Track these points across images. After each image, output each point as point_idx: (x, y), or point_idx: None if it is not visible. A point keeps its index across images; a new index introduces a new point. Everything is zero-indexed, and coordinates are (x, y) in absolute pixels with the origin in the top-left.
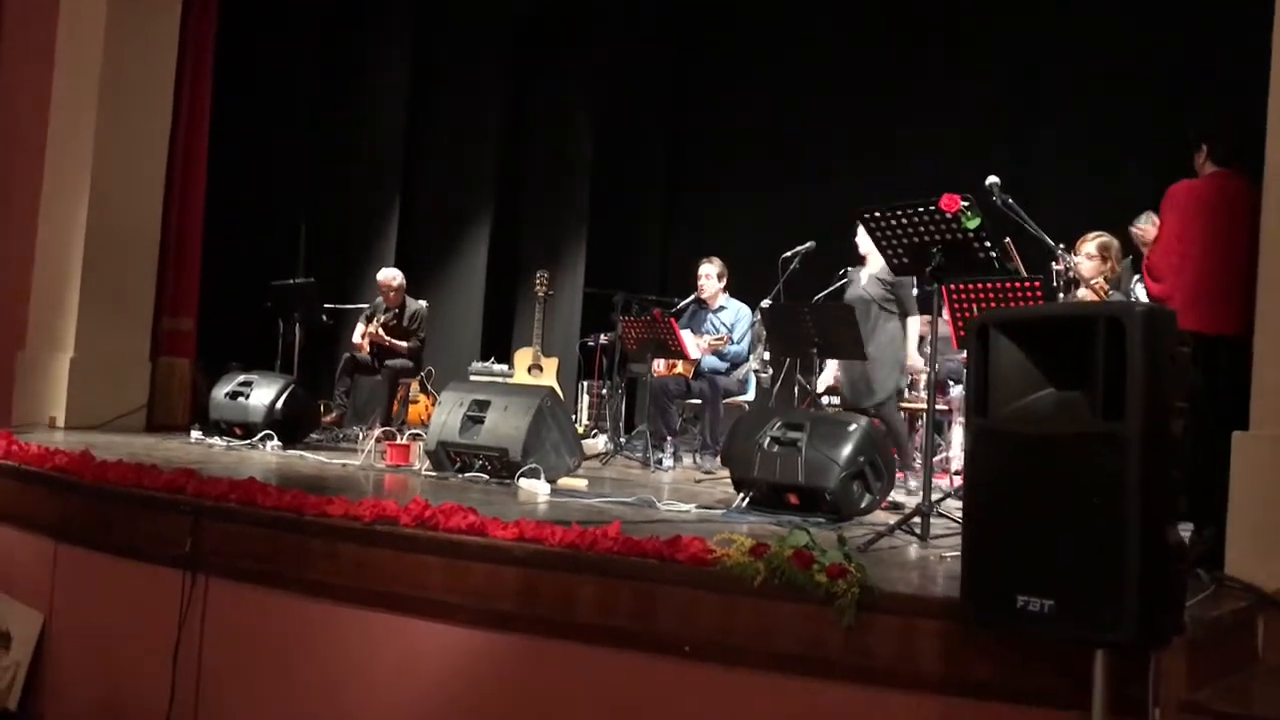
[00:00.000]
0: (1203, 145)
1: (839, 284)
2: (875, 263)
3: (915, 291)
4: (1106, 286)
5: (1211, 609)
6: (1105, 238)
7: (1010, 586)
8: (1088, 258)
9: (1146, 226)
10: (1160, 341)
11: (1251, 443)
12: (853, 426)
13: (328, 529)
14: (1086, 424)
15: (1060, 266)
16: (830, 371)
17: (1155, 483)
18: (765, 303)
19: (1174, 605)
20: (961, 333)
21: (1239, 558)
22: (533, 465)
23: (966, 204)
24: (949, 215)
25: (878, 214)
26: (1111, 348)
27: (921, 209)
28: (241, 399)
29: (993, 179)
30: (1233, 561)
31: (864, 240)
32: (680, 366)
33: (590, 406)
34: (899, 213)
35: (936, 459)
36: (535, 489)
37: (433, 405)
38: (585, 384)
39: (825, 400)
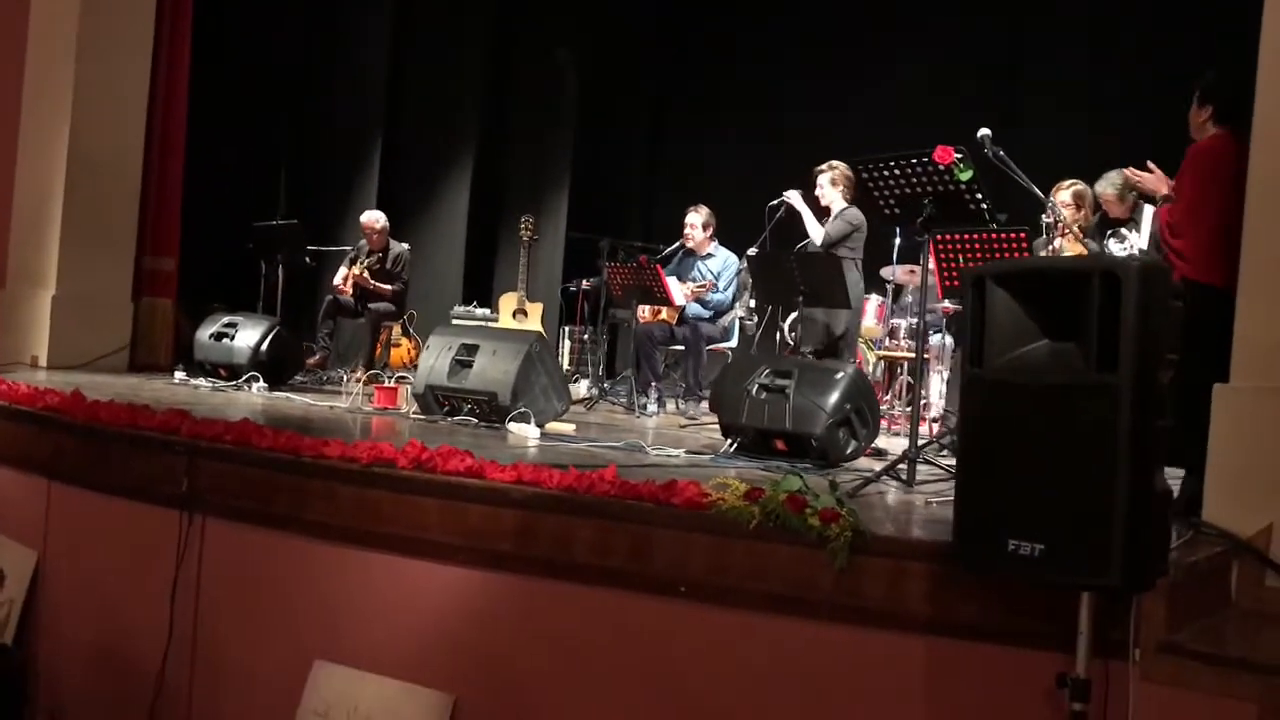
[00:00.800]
0: (1208, 104)
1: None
2: (835, 209)
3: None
4: (1081, 235)
5: (1189, 554)
6: (1080, 185)
7: (1001, 531)
8: (1063, 205)
9: (1107, 190)
10: (1154, 295)
11: (1230, 394)
12: (840, 374)
13: (325, 470)
14: (1080, 375)
15: (1050, 219)
16: (794, 317)
17: (1144, 432)
18: (751, 251)
19: (1159, 550)
20: (947, 282)
21: (1217, 505)
22: (522, 409)
23: (959, 156)
24: (942, 167)
25: (871, 164)
26: (1106, 301)
27: (915, 160)
28: (226, 340)
29: (984, 131)
30: (1210, 508)
31: (822, 193)
32: (665, 313)
33: (572, 352)
34: (892, 163)
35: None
36: (525, 433)
37: (415, 348)
38: (567, 329)
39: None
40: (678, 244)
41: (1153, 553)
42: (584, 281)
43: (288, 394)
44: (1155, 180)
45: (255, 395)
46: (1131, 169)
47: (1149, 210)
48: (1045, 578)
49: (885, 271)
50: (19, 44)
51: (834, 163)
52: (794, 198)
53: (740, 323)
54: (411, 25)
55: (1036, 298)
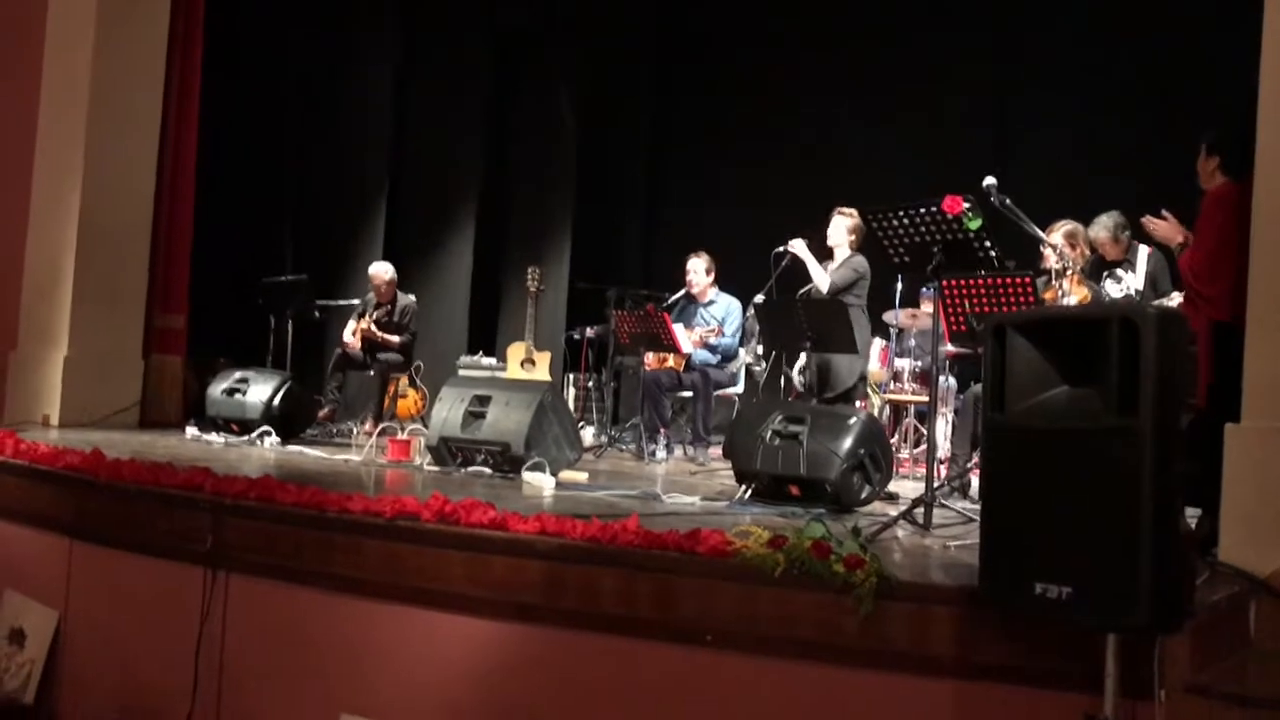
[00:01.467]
0: (1215, 155)
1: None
2: (839, 257)
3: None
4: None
5: (1210, 594)
6: (1071, 225)
7: (1028, 574)
8: (1061, 249)
9: (1100, 233)
10: (1171, 341)
11: (1242, 433)
12: (853, 419)
13: (349, 524)
14: (1101, 419)
15: (1060, 264)
16: (801, 362)
17: (1166, 474)
18: (758, 298)
19: (1185, 591)
20: (953, 326)
21: (1232, 544)
22: (538, 459)
23: (968, 205)
24: (951, 216)
25: (880, 213)
26: (1125, 347)
27: (924, 209)
28: (239, 395)
29: (990, 180)
30: (1226, 548)
31: (834, 233)
32: (671, 360)
33: (577, 399)
34: (902, 213)
35: (920, 449)
36: (540, 483)
37: (422, 399)
38: (572, 377)
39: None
40: (682, 292)
41: (1179, 593)
42: (588, 329)
43: (300, 448)
44: (1170, 228)
45: (268, 450)
46: (1148, 217)
47: (1144, 250)
48: (1073, 619)
49: (888, 315)
50: (32, 106)
51: (853, 210)
52: (799, 247)
53: (748, 368)
54: (413, 81)
55: (1055, 344)
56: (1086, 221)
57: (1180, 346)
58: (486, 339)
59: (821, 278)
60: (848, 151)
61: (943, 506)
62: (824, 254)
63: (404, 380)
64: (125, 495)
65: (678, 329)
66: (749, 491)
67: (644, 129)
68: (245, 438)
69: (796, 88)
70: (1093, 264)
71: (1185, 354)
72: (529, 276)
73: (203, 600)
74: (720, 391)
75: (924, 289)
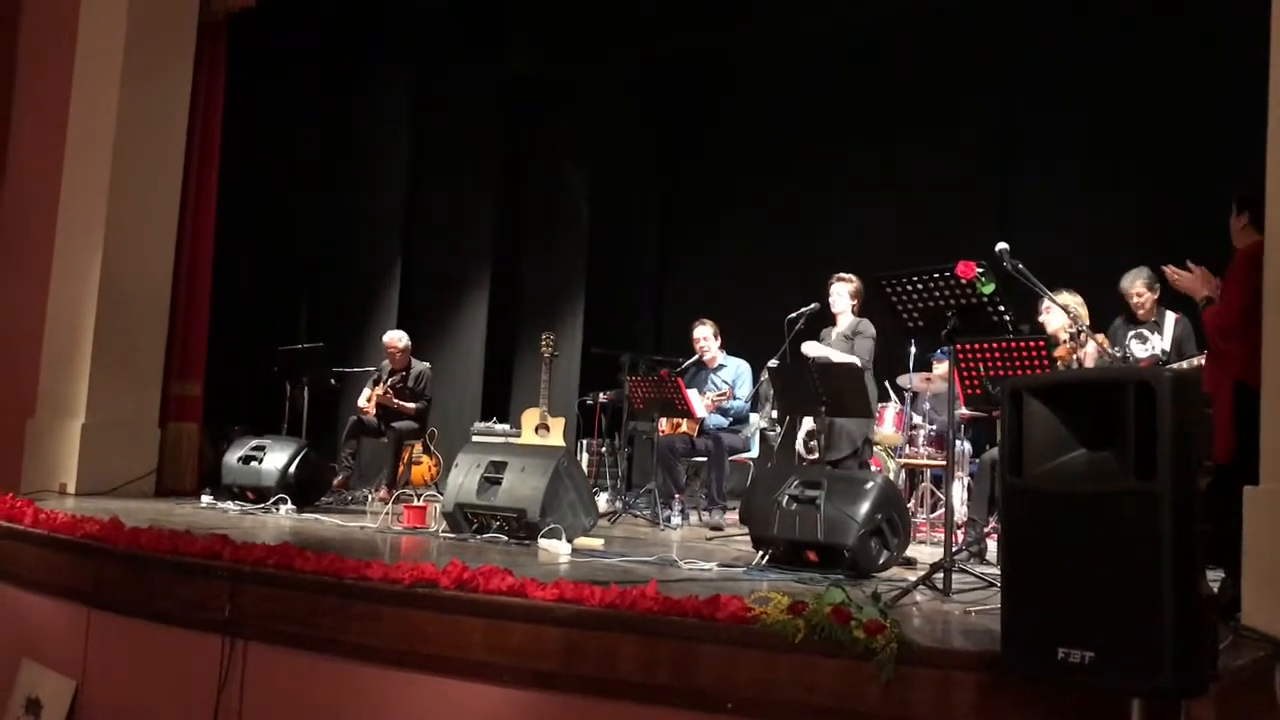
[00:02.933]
0: (1244, 212)
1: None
2: (844, 322)
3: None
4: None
5: (1234, 658)
6: (1065, 295)
7: (1050, 639)
8: (1068, 316)
9: (1136, 284)
10: (1187, 404)
11: (1261, 496)
12: (870, 484)
13: (368, 592)
14: (1120, 482)
15: (1075, 328)
16: (807, 426)
17: (1187, 536)
18: (772, 363)
19: (1209, 654)
20: (968, 390)
21: (1255, 608)
22: (554, 525)
23: (981, 270)
24: (965, 281)
25: (894, 279)
26: (1142, 410)
27: (938, 275)
28: (255, 463)
29: (1002, 245)
30: (1249, 612)
31: (837, 300)
32: (685, 425)
33: (591, 465)
34: (915, 278)
35: (937, 514)
36: (556, 549)
37: (436, 466)
38: (585, 442)
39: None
40: (694, 359)
41: (1203, 656)
42: (601, 395)
43: (316, 515)
44: (1194, 280)
45: (284, 517)
46: (1172, 267)
47: (1170, 316)
48: (1098, 684)
49: (902, 379)
50: (54, 178)
51: (851, 276)
52: (812, 349)
53: (762, 433)
54: (426, 152)
55: (1072, 408)
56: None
57: (1196, 409)
58: (500, 405)
59: (843, 359)
60: (851, 218)
61: (962, 571)
62: (828, 320)
63: (418, 447)
64: (143, 564)
65: (691, 393)
66: (766, 557)
67: (654, 196)
68: (261, 505)
69: (801, 154)
70: (1121, 324)
71: (1201, 416)
72: (542, 343)
73: (220, 668)
74: (734, 456)
75: (937, 352)
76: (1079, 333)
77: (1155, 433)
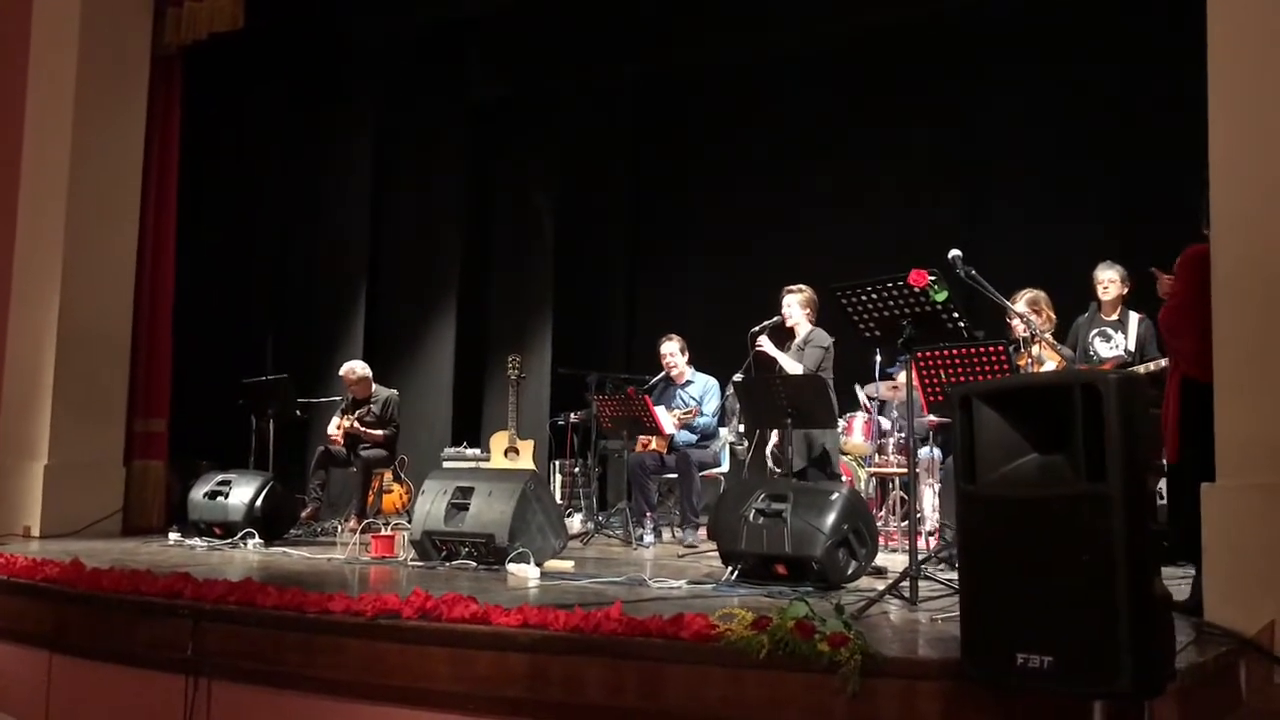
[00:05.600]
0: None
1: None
2: (800, 332)
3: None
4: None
5: (1197, 655)
6: (1031, 293)
7: (1009, 645)
8: (1028, 315)
9: (1112, 274)
10: (1134, 405)
11: (1218, 492)
12: (835, 495)
13: (331, 625)
14: (1071, 486)
15: (1027, 333)
16: (774, 439)
17: (1139, 537)
18: (737, 377)
19: (1166, 654)
20: (931, 397)
21: (1217, 604)
22: (521, 549)
23: (934, 278)
24: (918, 289)
25: (848, 290)
26: (1089, 413)
27: (891, 284)
28: (221, 498)
29: (955, 252)
30: (1211, 608)
31: (790, 312)
32: (655, 442)
33: (564, 485)
34: (869, 288)
35: (908, 522)
36: (524, 573)
37: (407, 494)
38: (557, 463)
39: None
40: (661, 375)
41: (1160, 657)
42: (572, 415)
43: (284, 549)
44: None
45: (251, 552)
46: (1158, 270)
47: (1134, 316)
48: (1056, 688)
49: (869, 388)
50: (9, 218)
51: (801, 286)
52: (766, 345)
53: (731, 447)
54: (391, 177)
55: (1022, 413)
56: (1055, 288)
57: (1143, 409)
58: (471, 430)
59: (795, 368)
60: (818, 232)
61: (929, 579)
62: (786, 333)
63: (388, 475)
64: (104, 605)
65: (659, 411)
66: (735, 573)
67: (621, 215)
68: (228, 541)
69: (769, 171)
70: (1086, 320)
71: (1149, 416)
72: (509, 365)
73: (184, 709)
74: (706, 472)
75: (895, 365)
76: (1032, 336)
77: (1103, 435)
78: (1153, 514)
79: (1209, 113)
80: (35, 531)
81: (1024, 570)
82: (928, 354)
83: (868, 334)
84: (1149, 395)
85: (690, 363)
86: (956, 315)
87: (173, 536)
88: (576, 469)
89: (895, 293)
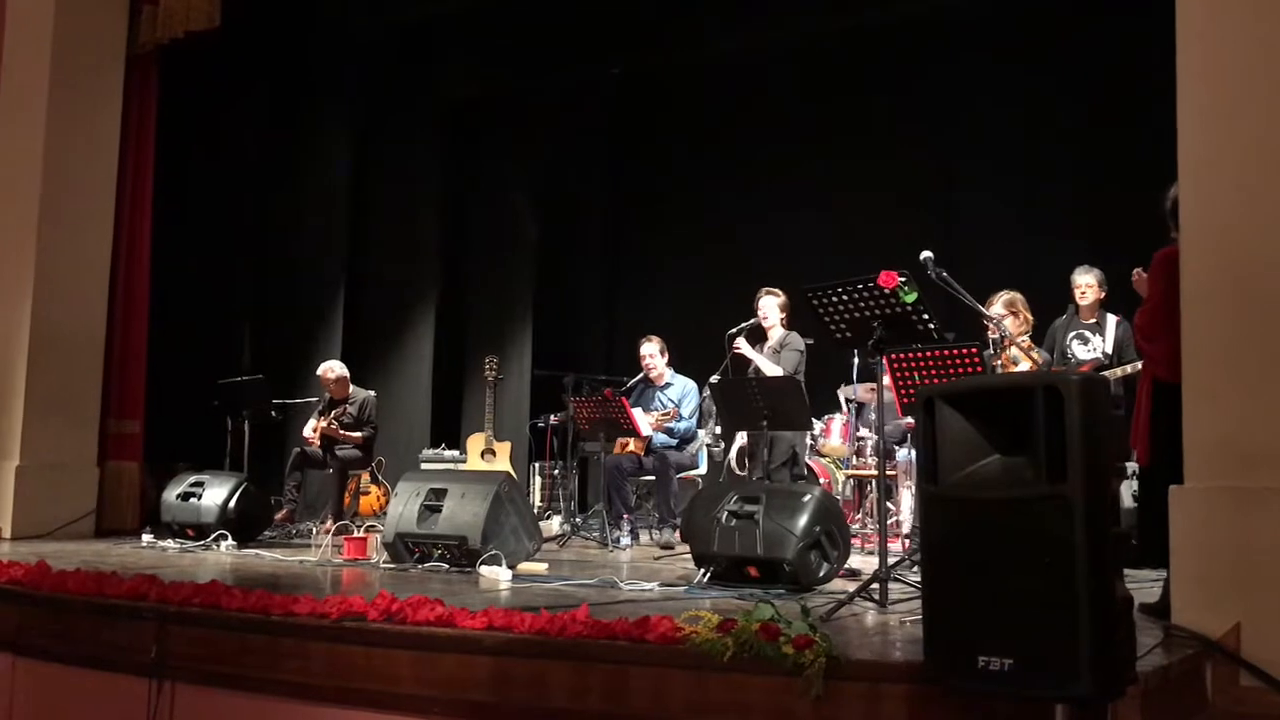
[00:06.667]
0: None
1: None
2: (774, 335)
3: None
4: (1031, 344)
5: (1163, 658)
6: (1008, 294)
7: (970, 647)
8: (1000, 318)
9: (1090, 279)
10: (1096, 406)
11: (1185, 494)
12: (807, 497)
13: (295, 628)
14: (1032, 487)
15: (995, 335)
16: (738, 443)
17: (1100, 540)
18: (714, 379)
19: (1127, 657)
20: (905, 399)
21: (1183, 606)
22: (493, 552)
23: (903, 279)
24: (887, 291)
25: (819, 291)
26: (1051, 414)
27: (861, 286)
28: (194, 500)
29: (926, 254)
30: (1178, 610)
31: (766, 313)
32: (632, 444)
33: (544, 488)
34: (840, 290)
35: (888, 523)
36: (496, 575)
37: (385, 495)
38: (538, 465)
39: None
40: (640, 376)
41: (1121, 660)
42: (552, 417)
43: (257, 551)
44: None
45: (224, 554)
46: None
47: (1112, 318)
48: (1017, 692)
49: (845, 390)
50: None
51: (777, 289)
52: (743, 347)
53: (708, 449)
54: (369, 176)
55: (985, 414)
56: (1033, 289)
57: (1105, 411)
58: (450, 431)
59: (771, 368)
60: (798, 234)
61: (898, 580)
62: (761, 334)
63: (365, 477)
64: (69, 608)
65: (636, 413)
66: (708, 575)
67: (601, 215)
68: (201, 543)
69: (750, 172)
70: (1064, 323)
71: (1111, 419)
72: (486, 366)
73: (148, 713)
74: (684, 474)
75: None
76: (1002, 339)
77: (1064, 436)
78: (1114, 516)
79: (1178, 116)
80: (5, 533)
81: (986, 572)
82: (902, 355)
83: (839, 335)
84: (1112, 397)
85: (670, 364)
86: (927, 317)
87: (146, 538)
88: (556, 471)
89: (866, 294)
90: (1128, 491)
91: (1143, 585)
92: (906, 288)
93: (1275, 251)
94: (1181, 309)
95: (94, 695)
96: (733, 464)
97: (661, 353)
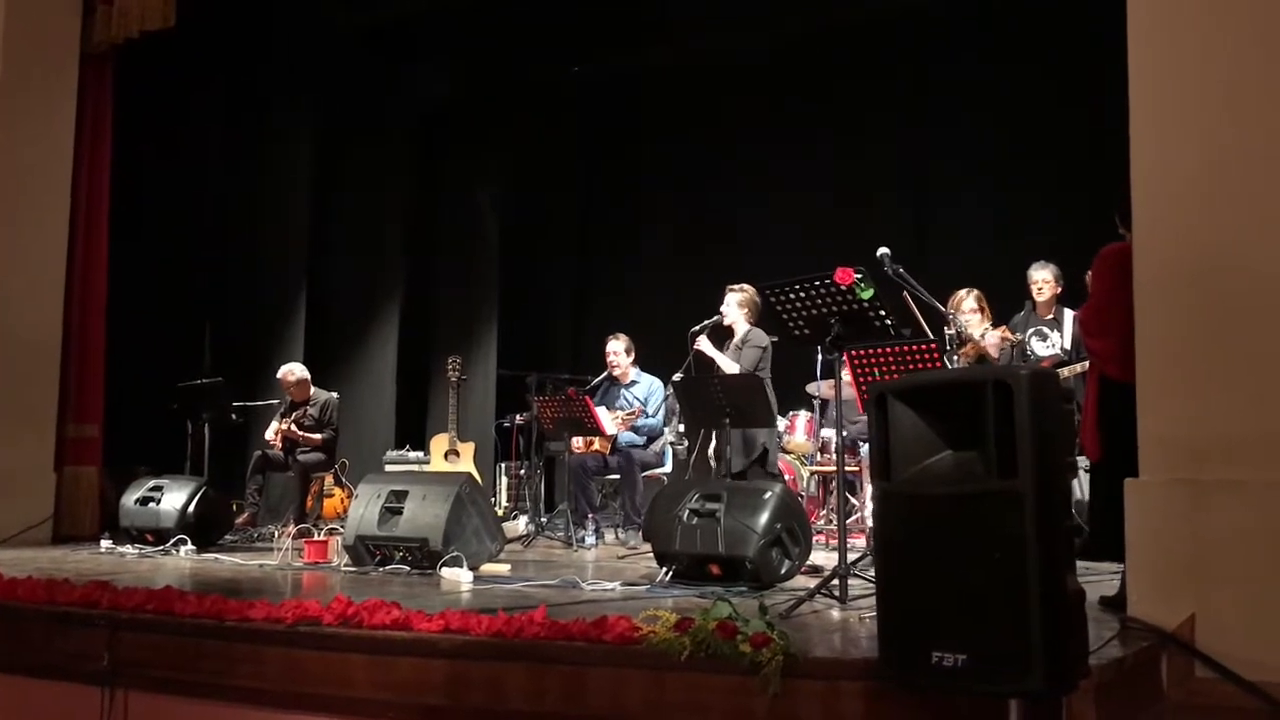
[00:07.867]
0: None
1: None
2: (738, 332)
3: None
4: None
5: (1118, 651)
6: (975, 292)
7: (924, 643)
8: (971, 313)
9: (1046, 274)
10: (1046, 401)
11: (1140, 488)
12: (768, 494)
13: (250, 633)
14: (983, 483)
15: (952, 331)
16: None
17: (1051, 535)
18: (677, 376)
19: (1079, 650)
20: (866, 395)
21: (1140, 599)
22: (454, 554)
23: (859, 276)
24: (844, 287)
25: (776, 289)
26: (1001, 409)
27: (817, 282)
28: (152, 504)
29: (883, 250)
30: (1134, 603)
31: (729, 311)
32: (597, 443)
33: (510, 488)
34: (797, 287)
35: (852, 519)
36: (458, 577)
37: (348, 498)
38: (504, 465)
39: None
40: (604, 374)
41: (1072, 654)
42: (518, 417)
43: (217, 555)
44: None
45: (184, 559)
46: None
47: (1069, 314)
48: (969, 687)
49: (810, 387)
50: None
51: (743, 286)
52: (704, 345)
53: (672, 448)
54: (333, 177)
55: (936, 410)
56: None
57: (1055, 405)
58: (416, 433)
59: (731, 367)
60: (765, 233)
61: (859, 577)
62: (725, 332)
63: (329, 479)
64: (18, 616)
65: (600, 411)
66: (670, 574)
67: (567, 216)
68: (160, 548)
69: (718, 171)
70: (1022, 319)
71: (1062, 413)
72: (449, 366)
73: None
74: (649, 472)
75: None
76: (958, 335)
77: (1014, 431)
78: (1066, 511)
79: (1130, 116)
80: None
81: (939, 568)
82: (862, 352)
83: (797, 333)
84: (1062, 391)
85: (636, 363)
86: (884, 313)
87: (104, 544)
88: (522, 471)
89: (822, 291)
90: (1080, 485)
91: (1103, 578)
92: (863, 284)
93: (1226, 249)
94: (1135, 307)
95: (46, 705)
96: (710, 460)
97: (627, 351)
